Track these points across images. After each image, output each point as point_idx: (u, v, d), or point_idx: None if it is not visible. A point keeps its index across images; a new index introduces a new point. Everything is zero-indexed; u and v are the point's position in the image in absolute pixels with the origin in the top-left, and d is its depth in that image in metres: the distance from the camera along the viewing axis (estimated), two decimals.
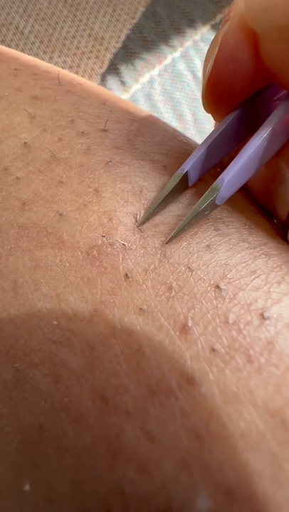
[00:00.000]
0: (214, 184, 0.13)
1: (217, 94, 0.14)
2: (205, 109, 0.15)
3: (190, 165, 0.14)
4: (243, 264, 0.13)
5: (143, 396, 0.11)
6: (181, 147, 0.16)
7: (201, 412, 0.11)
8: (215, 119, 0.15)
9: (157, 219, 0.13)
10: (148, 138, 0.15)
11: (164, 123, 0.17)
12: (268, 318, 0.12)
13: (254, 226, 0.14)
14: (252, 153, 0.13)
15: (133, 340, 0.11)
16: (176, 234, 0.13)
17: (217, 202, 0.13)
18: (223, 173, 0.13)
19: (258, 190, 0.15)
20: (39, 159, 0.14)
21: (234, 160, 0.13)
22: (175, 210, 0.14)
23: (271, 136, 0.13)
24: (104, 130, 0.15)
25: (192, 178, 0.14)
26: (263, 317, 0.12)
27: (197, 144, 0.17)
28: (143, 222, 0.13)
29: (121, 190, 0.14)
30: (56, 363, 0.11)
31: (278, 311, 0.12)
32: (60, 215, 0.13)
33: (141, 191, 0.14)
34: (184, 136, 0.17)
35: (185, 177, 0.14)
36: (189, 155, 0.14)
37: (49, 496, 0.11)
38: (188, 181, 0.14)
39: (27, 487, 0.11)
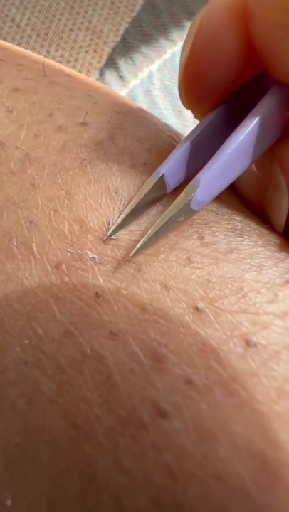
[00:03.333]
0: (188, 186, 0.11)
1: (197, 87, 0.12)
2: (184, 106, 0.13)
3: (166, 167, 0.12)
4: (229, 280, 0.11)
5: (113, 427, 0.10)
6: (168, 142, 0.14)
7: (174, 449, 0.10)
8: (196, 117, 0.13)
9: (132, 226, 0.12)
10: (131, 132, 0.14)
11: (155, 117, 0.16)
12: (254, 345, 0.10)
13: (246, 231, 0.13)
14: (234, 150, 0.11)
15: (103, 366, 0.10)
16: (143, 245, 0.11)
17: (193, 207, 0.11)
18: (199, 174, 0.11)
19: (251, 199, 0.14)
20: (12, 159, 0.13)
21: (212, 158, 0.11)
22: (154, 216, 0.12)
23: (259, 130, 0.11)
24: (83, 124, 0.14)
25: (171, 182, 0.12)
26: (248, 344, 0.10)
27: None
28: (116, 231, 0.12)
29: (94, 192, 0.12)
30: (29, 384, 0.11)
31: (266, 337, 0.10)
32: (31, 222, 0.12)
33: (116, 192, 0.12)
34: (175, 132, 0.16)
35: (162, 180, 0.12)
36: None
37: None
38: (166, 185, 0.12)
39: (8, 502, 0.11)
